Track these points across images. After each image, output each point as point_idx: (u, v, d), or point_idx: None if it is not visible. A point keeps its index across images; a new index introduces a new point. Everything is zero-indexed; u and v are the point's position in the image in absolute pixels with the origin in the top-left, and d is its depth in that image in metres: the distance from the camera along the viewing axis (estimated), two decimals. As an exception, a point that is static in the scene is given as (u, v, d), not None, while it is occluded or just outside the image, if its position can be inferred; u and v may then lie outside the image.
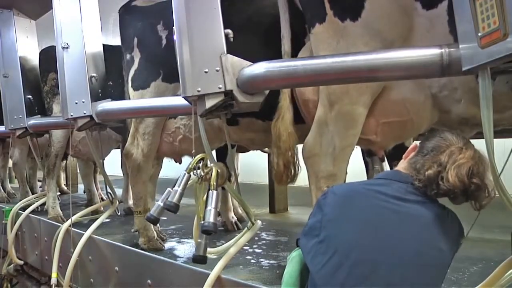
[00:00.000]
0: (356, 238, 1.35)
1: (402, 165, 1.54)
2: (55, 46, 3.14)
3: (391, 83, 1.99)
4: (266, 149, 3.79)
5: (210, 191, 2.06)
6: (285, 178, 2.31)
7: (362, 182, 1.58)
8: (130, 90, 3.03)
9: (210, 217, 1.99)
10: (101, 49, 3.17)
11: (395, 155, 2.63)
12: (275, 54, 2.28)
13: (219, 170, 2.13)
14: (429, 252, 1.33)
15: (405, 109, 2.00)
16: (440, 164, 1.39)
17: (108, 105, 2.98)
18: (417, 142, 1.57)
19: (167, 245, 3.04)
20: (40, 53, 4.41)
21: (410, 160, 1.52)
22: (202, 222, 2.01)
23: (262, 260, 2.61)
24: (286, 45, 2.31)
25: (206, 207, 2.03)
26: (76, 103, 2.99)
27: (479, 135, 1.53)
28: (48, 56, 4.19)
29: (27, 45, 4.35)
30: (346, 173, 2.13)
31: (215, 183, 2.08)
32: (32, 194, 5.17)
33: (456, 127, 1.93)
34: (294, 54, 2.34)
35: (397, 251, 1.30)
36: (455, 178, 1.35)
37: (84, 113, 2.98)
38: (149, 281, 2.64)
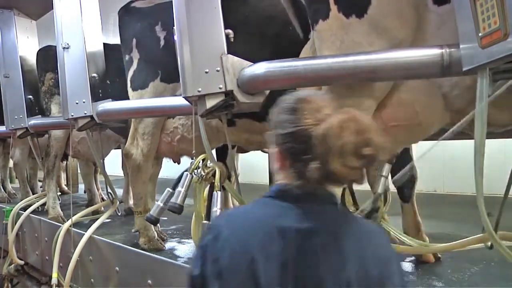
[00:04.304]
0: None
1: (281, 175, 1.16)
2: (52, 46, 3.14)
3: (399, 85, 1.89)
4: (266, 149, 3.79)
5: (215, 192, 2.07)
6: None
7: None
8: (129, 90, 3.03)
9: None
10: (101, 49, 3.18)
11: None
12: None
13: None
14: None
15: (414, 111, 1.87)
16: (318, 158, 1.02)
17: (108, 105, 2.99)
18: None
19: (168, 245, 3.03)
20: (37, 53, 4.39)
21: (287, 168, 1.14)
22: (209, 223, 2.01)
23: (262, 260, 2.60)
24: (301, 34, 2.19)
25: (212, 208, 2.03)
26: (77, 103, 3.00)
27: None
28: (46, 55, 4.19)
29: (27, 45, 4.35)
30: None
31: (219, 184, 2.08)
32: (33, 194, 5.16)
33: (468, 127, 1.88)
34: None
35: None
36: (342, 169, 1.00)
37: (85, 113, 2.99)
38: (149, 281, 2.64)
